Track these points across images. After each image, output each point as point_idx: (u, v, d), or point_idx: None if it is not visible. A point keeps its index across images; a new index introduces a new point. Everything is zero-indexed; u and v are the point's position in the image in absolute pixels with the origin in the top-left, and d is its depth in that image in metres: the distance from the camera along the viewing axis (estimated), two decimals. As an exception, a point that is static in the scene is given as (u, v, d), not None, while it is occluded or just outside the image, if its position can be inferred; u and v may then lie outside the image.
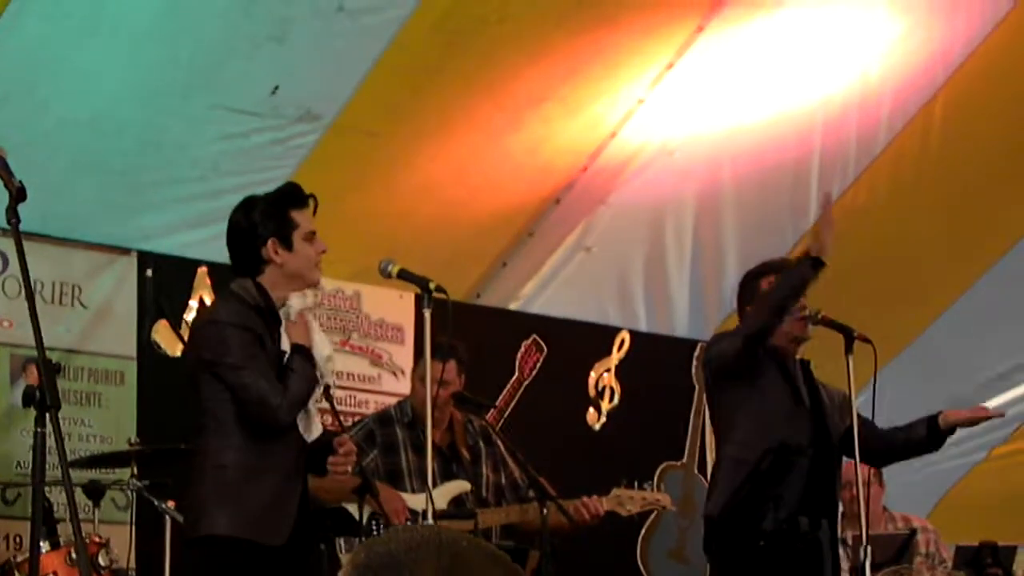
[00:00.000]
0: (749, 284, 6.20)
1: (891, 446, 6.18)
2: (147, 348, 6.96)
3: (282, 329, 5.16)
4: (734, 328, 6.18)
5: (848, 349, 6.01)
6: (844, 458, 6.13)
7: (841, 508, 6.54)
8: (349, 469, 5.23)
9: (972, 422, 6.19)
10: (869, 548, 5.80)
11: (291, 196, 5.24)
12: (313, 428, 5.19)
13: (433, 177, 7.52)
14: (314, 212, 5.23)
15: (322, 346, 5.27)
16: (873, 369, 5.92)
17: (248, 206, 5.26)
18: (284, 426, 5.03)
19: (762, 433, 5.84)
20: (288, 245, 5.15)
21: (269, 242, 5.15)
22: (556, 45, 7.07)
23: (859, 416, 5.98)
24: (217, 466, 5.02)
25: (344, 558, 6.15)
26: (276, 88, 6.63)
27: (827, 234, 5.86)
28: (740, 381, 5.96)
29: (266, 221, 5.18)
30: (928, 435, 6.12)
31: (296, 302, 5.20)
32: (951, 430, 6.14)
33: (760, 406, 5.94)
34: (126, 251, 6.96)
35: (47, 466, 4.01)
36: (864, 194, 8.48)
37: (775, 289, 5.94)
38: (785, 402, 5.98)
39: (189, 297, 7.10)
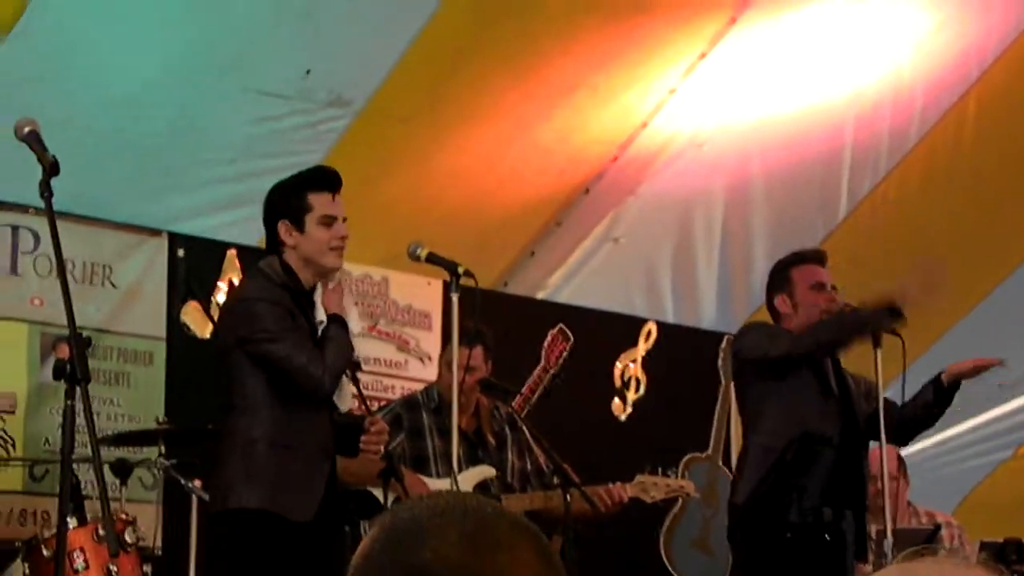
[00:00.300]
0: (780, 273, 6.19)
1: (906, 419, 6.18)
2: (176, 329, 6.98)
3: (317, 300, 5.18)
4: (770, 324, 6.15)
5: (877, 342, 6.01)
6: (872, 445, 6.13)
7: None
8: (381, 448, 5.26)
9: (974, 372, 6.12)
10: (893, 541, 5.80)
11: (312, 179, 5.26)
12: (345, 398, 5.22)
13: (463, 164, 7.53)
14: (333, 198, 5.23)
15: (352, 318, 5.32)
16: (903, 364, 5.93)
17: (274, 188, 5.30)
18: (326, 395, 5.07)
19: (790, 423, 5.84)
20: (300, 227, 5.16)
21: (281, 223, 5.18)
22: (588, 32, 7.07)
23: (881, 402, 5.98)
24: (247, 442, 5.05)
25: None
26: (308, 72, 6.65)
27: (921, 291, 5.82)
28: (770, 374, 5.95)
29: (281, 201, 5.21)
30: (935, 395, 6.11)
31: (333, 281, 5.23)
32: (956, 385, 6.10)
33: (789, 396, 5.93)
34: (157, 232, 6.99)
35: (75, 444, 4.05)
36: (895, 189, 8.46)
37: (842, 324, 5.89)
38: (815, 393, 5.98)
39: (219, 279, 7.12)
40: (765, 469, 5.79)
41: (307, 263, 5.19)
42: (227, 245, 7.15)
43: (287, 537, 5.02)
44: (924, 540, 7.14)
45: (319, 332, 5.20)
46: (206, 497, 5.62)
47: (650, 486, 6.54)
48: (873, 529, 7.07)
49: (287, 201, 5.19)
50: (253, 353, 5.08)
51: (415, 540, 1.71)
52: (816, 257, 6.26)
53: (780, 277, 6.17)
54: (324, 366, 5.03)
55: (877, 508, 6.48)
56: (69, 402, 3.70)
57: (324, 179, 5.24)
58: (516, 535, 1.72)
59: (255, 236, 7.15)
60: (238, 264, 7.14)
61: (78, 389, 3.71)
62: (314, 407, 5.13)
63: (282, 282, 5.16)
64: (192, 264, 7.00)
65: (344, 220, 5.21)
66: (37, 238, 6.61)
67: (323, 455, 5.16)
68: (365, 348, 7.27)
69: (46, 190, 3.86)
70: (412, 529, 1.72)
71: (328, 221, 5.16)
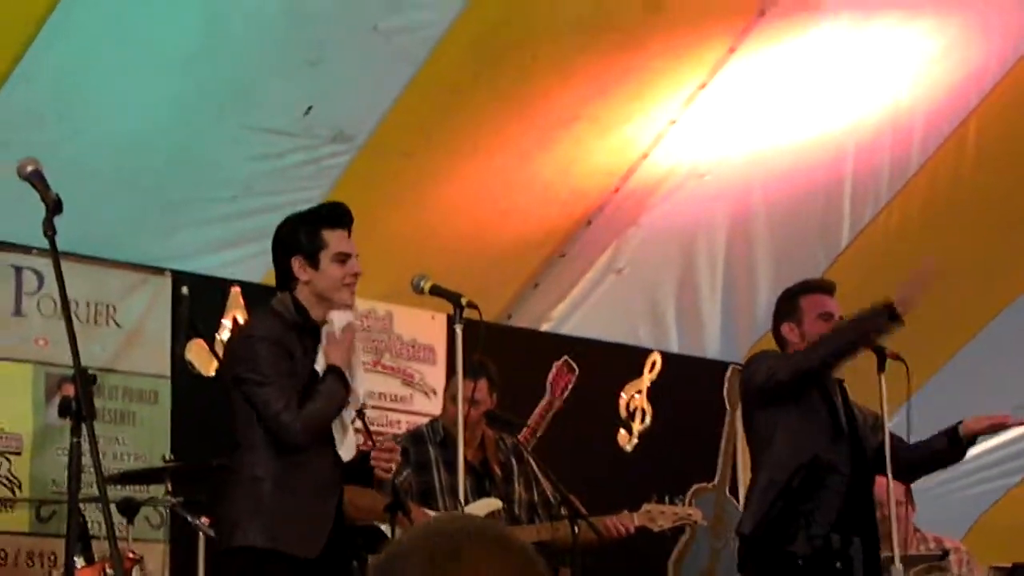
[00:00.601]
0: (788, 301, 6.18)
1: (915, 460, 6.16)
2: (181, 367, 6.98)
3: (320, 347, 5.17)
4: (779, 352, 6.14)
5: (881, 367, 6.01)
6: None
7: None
8: (392, 466, 5.24)
9: (993, 430, 6.11)
10: (902, 568, 5.79)
11: (326, 215, 5.27)
12: (347, 446, 5.20)
13: (465, 198, 7.54)
14: (347, 235, 5.24)
15: (357, 366, 5.29)
16: (907, 389, 5.93)
17: (287, 220, 5.31)
18: (295, 444, 5.04)
19: (798, 452, 5.81)
20: (315, 264, 5.17)
21: (295, 259, 5.18)
22: (587, 65, 7.09)
23: (890, 434, 5.97)
24: (252, 479, 5.05)
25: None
26: (309, 108, 6.67)
27: (918, 294, 5.81)
28: (780, 402, 5.94)
29: (295, 237, 5.21)
30: (949, 446, 6.10)
31: (337, 317, 5.20)
32: (972, 439, 6.10)
33: (799, 427, 5.92)
34: (160, 271, 7.00)
35: (82, 483, 4.05)
36: (897, 217, 8.48)
37: (842, 332, 5.89)
38: (824, 424, 5.96)
39: (223, 316, 7.13)
40: (772, 498, 5.78)
41: (320, 299, 5.20)
42: (231, 282, 7.16)
43: (294, 574, 5.01)
44: (931, 566, 7.13)
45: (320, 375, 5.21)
46: (213, 535, 5.62)
47: (657, 515, 6.54)
48: (881, 555, 7.06)
49: (301, 237, 5.20)
50: (243, 394, 5.10)
51: (391, 568, 1.79)
52: (824, 287, 6.27)
53: (789, 305, 6.17)
54: (299, 417, 5.01)
55: (885, 534, 6.47)
56: (75, 439, 3.70)
57: (338, 216, 5.24)
58: (483, 551, 1.75)
59: (259, 273, 7.18)
60: (242, 301, 7.15)
61: (84, 426, 3.71)
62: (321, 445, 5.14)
63: (293, 320, 5.16)
64: (196, 302, 6.99)
65: (357, 256, 5.23)
66: (41, 279, 6.62)
67: (329, 491, 5.15)
68: (370, 383, 7.26)
69: (50, 228, 3.87)
70: (392, 556, 1.80)
71: (342, 258, 5.17)
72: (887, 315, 5.72)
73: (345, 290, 5.20)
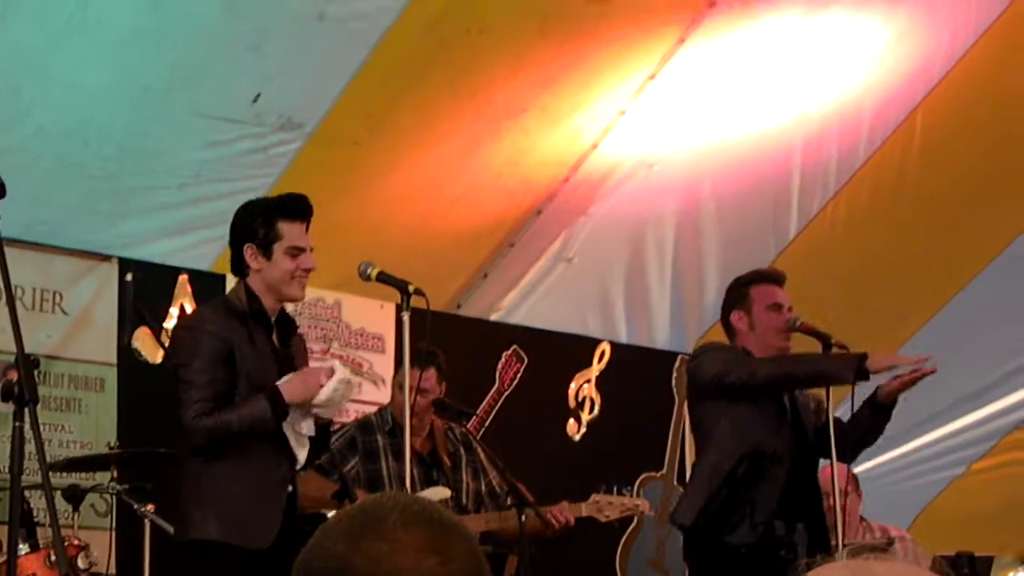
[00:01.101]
0: (738, 290, 6.20)
1: (853, 438, 6.19)
2: (127, 355, 6.95)
3: (296, 365, 5.17)
4: (728, 346, 6.13)
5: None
6: (821, 463, 6.16)
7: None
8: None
9: (909, 384, 6.06)
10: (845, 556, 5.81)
11: (284, 207, 5.24)
12: (301, 454, 5.19)
13: (414, 187, 7.54)
14: (304, 229, 5.22)
15: (327, 409, 5.21)
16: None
17: (245, 208, 5.29)
18: (196, 447, 5.02)
19: (741, 441, 5.85)
20: (267, 254, 5.15)
21: (247, 247, 5.16)
22: (536, 54, 7.10)
23: (833, 419, 6.00)
24: (200, 471, 5.03)
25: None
26: (258, 96, 6.65)
27: (892, 363, 5.85)
28: (725, 395, 5.96)
29: (251, 225, 5.19)
30: (873, 412, 6.11)
31: (340, 368, 5.16)
32: (893, 401, 6.10)
33: (744, 415, 5.95)
34: (107, 258, 6.97)
35: (26, 471, 4.03)
36: (844, 207, 8.52)
37: (806, 362, 5.92)
38: (767, 411, 6.00)
39: (170, 304, 7.10)
40: (715, 487, 5.80)
41: (270, 289, 5.18)
42: (178, 270, 7.14)
43: (246, 566, 5.00)
44: (877, 555, 7.18)
45: (281, 355, 5.20)
46: (160, 522, 5.61)
47: (605, 505, 6.56)
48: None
49: (257, 226, 5.17)
50: (176, 382, 5.09)
51: (314, 542, 1.78)
52: (774, 277, 6.29)
53: (738, 294, 6.19)
54: (205, 424, 4.99)
55: (831, 524, 6.50)
56: (17, 424, 3.67)
57: (297, 209, 5.20)
58: (403, 526, 1.74)
59: (207, 261, 7.16)
60: (189, 289, 7.12)
61: (27, 411, 3.69)
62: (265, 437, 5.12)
63: (241, 309, 5.15)
64: (143, 289, 6.97)
65: (311, 251, 5.20)
66: (-14, 265, 6.56)
67: (280, 482, 5.13)
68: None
69: (-7, 212, 3.84)
70: (318, 533, 1.79)
71: (295, 252, 5.15)
72: (856, 370, 5.73)
73: (295, 283, 5.18)
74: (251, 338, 5.14)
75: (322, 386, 5.05)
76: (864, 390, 6.11)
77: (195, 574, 5.08)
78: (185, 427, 5.02)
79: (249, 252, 5.15)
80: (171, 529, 5.57)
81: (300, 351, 5.42)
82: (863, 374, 5.75)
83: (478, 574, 1.77)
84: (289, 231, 5.16)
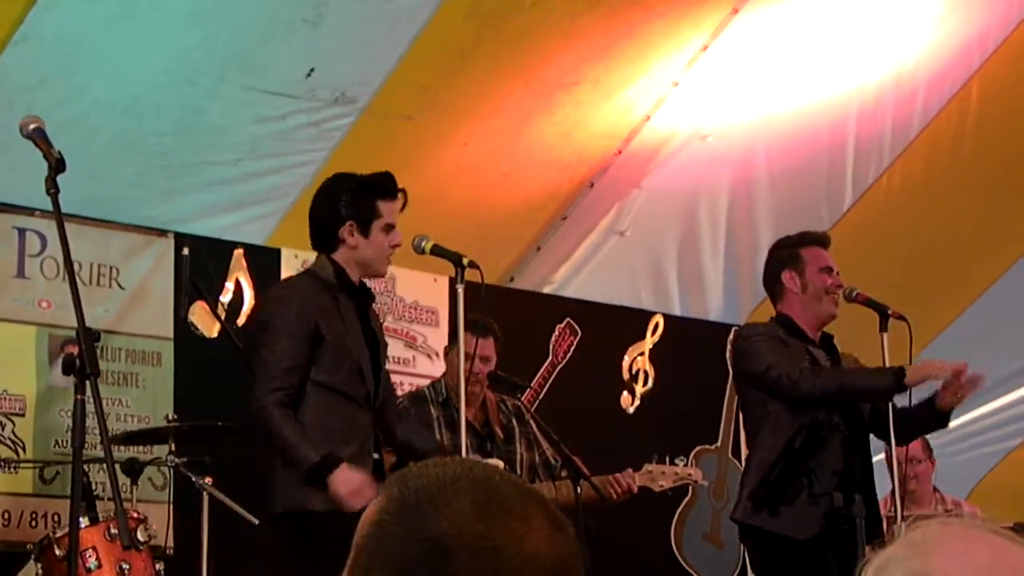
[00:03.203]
0: (789, 249, 6.10)
1: (905, 424, 6.10)
2: (184, 329, 7.00)
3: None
4: (771, 335, 5.99)
5: (883, 327, 6.00)
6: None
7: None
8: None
9: (960, 400, 5.96)
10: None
11: (382, 186, 5.31)
12: None
13: (467, 161, 7.54)
14: (402, 208, 5.31)
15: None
16: (909, 349, 5.91)
17: (337, 184, 5.36)
18: (254, 413, 5.08)
19: (798, 416, 5.77)
20: (365, 232, 5.24)
21: (347, 224, 5.24)
22: (589, 27, 7.07)
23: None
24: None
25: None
26: (311, 71, 6.66)
27: (929, 373, 5.78)
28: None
29: (350, 203, 5.26)
30: (932, 416, 6.04)
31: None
32: (950, 411, 6.04)
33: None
34: (163, 233, 7.01)
35: (86, 444, 4.06)
36: (899, 178, 8.47)
37: (857, 380, 5.87)
38: None
39: (225, 279, 7.14)
40: (771, 460, 5.73)
41: (359, 265, 5.28)
42: (234, 245, 7.18)
43: (350, 532, 5.01)
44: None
45: (371, 336, 5.30)
46: (218, 495, 5.65)
47: (658, 475, 6.56)
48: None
49: (356, 204, 5.24)
50: (256, 346, 5.17)
51: (428, 511, 1.69)
52: (823, 240, 6.20)
53: (789, 254, 6.07)
54: (273, 412, 5.04)
55: (908, 493, 6.40)
56: (79, 397, 3.70)
57: (391, 187, 5.31)
58: (527, 502, 1.72)
59: (262, 236, 7.20)
60: (245, 263, 7.16)
61: (88, 384, 3.72)
62: (355, 402, 5.18)
63: (330, 282, 5.23)
64: (198, 264, 7.01)
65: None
66: (44, 241, 6.63)
67: (368, 443, 5.22)
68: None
69: (52, 186, 3.86)
70: (424, 498, 1.70)
71: (389, 229, 5.29)
72: (896, 384, 5.69)
73: (386, 261, 5.34)
74: (339, 311, 5.21)
75: (359, 507, 5.06)
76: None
77: (296, 545, 5.11)
78: (255, 402, 5.08)
79: (347, 229, 5.23)
80: (229, 502, 5.62)
81: (377, 324, 5.52)
82: (901, 387, 5.70)
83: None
84: (386, 209, 5.28)
